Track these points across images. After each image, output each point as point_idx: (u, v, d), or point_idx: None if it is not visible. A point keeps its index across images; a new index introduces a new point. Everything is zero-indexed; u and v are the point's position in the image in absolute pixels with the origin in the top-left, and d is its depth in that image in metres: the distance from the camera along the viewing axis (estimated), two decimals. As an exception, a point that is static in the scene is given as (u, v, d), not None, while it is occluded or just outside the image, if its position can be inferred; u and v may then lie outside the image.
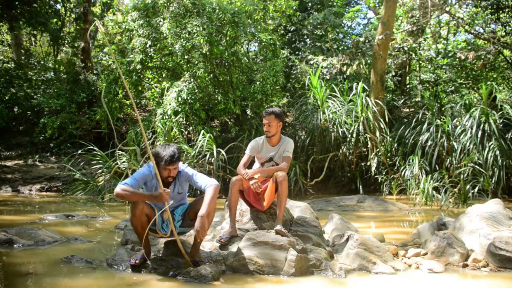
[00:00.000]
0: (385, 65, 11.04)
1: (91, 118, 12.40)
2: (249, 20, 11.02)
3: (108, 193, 8.68)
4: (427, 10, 11.31)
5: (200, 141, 9.36)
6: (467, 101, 9.90)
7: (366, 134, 9.85)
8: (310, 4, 15.20)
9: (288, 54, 13.77)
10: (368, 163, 9.98)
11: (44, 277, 3.36)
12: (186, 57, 10.33)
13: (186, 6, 10.54)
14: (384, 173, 9.66)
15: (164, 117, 10.02)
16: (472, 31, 12.70)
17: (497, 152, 8.42)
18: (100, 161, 9.47)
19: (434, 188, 8.00)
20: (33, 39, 18.38)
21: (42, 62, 16.03)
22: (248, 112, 11.70)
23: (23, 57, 16.09)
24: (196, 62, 10.26)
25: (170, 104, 9.98)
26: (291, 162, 4.81)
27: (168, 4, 10.77)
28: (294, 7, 12.74)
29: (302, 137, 10.81)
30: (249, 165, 4.25)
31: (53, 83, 14.38)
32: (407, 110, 12.61)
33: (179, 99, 9.94)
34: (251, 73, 11.37)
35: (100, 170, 9.43)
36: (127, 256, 3.66)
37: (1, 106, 12.51)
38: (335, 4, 15.17)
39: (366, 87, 10.43)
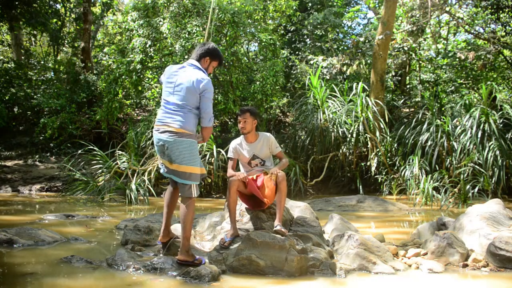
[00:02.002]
0: (385, 65, 11.04)
1: (91, 118, 12.39)
2: (249, 20, 11.02)
3: (108, 193, 8.68)
4: (427, 10, 11.31)
5: (200, 141, 9.35)
6: (467, 101, 9.90)
7: (366, 134, 9.85)
8: (310, 4, 15.20)
9: (288, 54, 13.77)
10: (368, 163, 9.98)
11: (44, 277, 3.35)
12: (186, 57, 10.32)
13: (186, 6, 10.54)
14: (384, 173, 9.66)
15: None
16: (472, 31, 12.70)
17: (497, 152, 8.42)
18: (100, 161, 9.47)
19: (434, 188, 8.00)
20: (33, 39, 18.38)
21: (42, 62, 16.03)
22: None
23: (23, 57, 16.07)
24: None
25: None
26: (291, 162, 4.81)
27: (168, 4, 10.77)
28: (294, 7, 12.73)
29: (302, 137, 10.80)
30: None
31: (53, 83, 14.37)
32: (407, 110, 12.61)
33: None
34: (251, 73, 11.38)
35: (100, 170, 9.43)
36: (127, 256, 3.66)
37: (1, 106, 12.50)
38: (335, 4, 15.17)
39: (366, 87, 10.43)
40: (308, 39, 14.58)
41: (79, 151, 10.07)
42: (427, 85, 13.39)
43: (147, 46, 10.61)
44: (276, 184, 3.91)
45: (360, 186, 9.53)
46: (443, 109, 11.22)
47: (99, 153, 9.41)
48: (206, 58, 3.66)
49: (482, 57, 11.40)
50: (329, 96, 10.49)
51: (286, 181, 3.90)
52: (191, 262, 3.41)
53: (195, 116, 3.55)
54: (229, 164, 4.23)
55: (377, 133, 9.83)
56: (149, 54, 10.86)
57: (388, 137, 9.92)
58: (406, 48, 12.33)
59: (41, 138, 12.60)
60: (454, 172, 8.51)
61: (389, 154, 9.91)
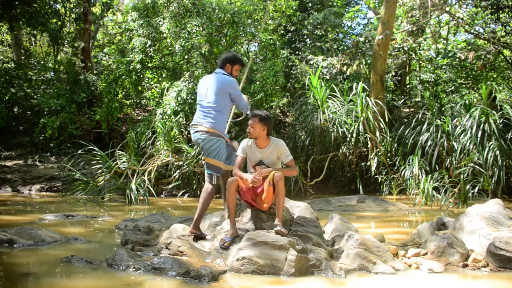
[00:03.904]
0: (385, 65, 11.03)
1: (91, 118, 12.39)
2: (249, 20, 11.02)
3: (108, 193, 8.68)
4: (427, 10, 11.31)
5: (200, 141, 9.35)
6: (467, 101, 9.90)
7: (366, 134, 9.85)
8: (310, 4, 15.19)
9: (288, 54, 13.76)
10: (368, 163, 9.97)
11: (44, 277, 3.36)
12: (185, 57, 10.33)
13: (186, 6, 10.54)
14: (384, 173, 9.65)
15: (164, 117, 10.02)
16: (472, 31, 12.70)
17: (497, 152, 8.42)
18: (100, 161, 9.46)
19: (434, 188, 8.00)
20: (33, 39, 18.37)
21: (42, 62, 16.02)
22: (248, 112, 11.70)
23: (23, 57, 16.06)
24: (195, 62, 10.24)
25: (169, 104, 9.98)
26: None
27: (168, 4, 10.76)
28: (294, 7, 12.73)
29: (302, 137, 10.80)
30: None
31: (53, 83, 14.37)
32: (407, 110, 12.61)
33: (179, 99, 9.93)
34: (251, 73, 11.37)
35: (100, 170, 9.43)
36: (127, 256, 3.66)
37: (1, 106, 12.50)
38: (335, 4, 15.16)
39: (366, 87, 10.43)
40: (308, 39, 14.57)
41: (79, 151, 10.06)
42: (427, 85, 13.38)
43: (147, 46, 10.61)
44: (274, 184, 3.88)
45: (360, 186, 9.53)
46: (443, 109, 11.22)
47: (99, 153, 9.41)
48: (227, 65, 4.40)
49: (482, 57, 11.41)
50: (329, 96, 10.48)
51: (283, 181, 3.87)
52: (199, 234, 4.12)
53: (225, 117, 4.26)
54: (236, 161, 4.16)
55: (377, 133, 9.83)
56: (149, 54, 10.86)
57: (388, 137, 9.92)
58: (406, 48, 12.33)
59: (41, 138, 12.60)
60: (454, 172, 8.51)
61: (389, 154, 9.91)
